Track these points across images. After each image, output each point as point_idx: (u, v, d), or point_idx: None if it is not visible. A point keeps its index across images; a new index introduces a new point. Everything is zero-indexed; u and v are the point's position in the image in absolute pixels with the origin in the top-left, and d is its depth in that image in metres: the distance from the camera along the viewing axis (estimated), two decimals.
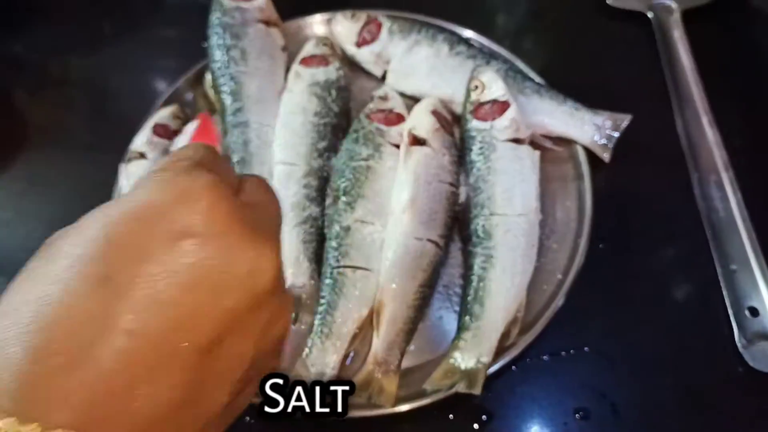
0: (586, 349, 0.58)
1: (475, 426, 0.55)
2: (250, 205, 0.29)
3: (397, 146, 0.65)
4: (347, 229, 0.60)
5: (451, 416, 0.55)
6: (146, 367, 0.23)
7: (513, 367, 0.57)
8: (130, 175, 0.65)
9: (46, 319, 0.23)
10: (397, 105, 0.68)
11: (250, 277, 0.26)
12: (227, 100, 0.68)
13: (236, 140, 0.66)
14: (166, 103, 0.71)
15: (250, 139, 0.66)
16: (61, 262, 0.24)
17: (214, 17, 0.72)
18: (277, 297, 0.28)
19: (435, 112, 0.65)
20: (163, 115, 0.69)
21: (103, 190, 0.68)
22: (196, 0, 0.87)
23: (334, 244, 0.60)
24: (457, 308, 0.59)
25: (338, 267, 0.58)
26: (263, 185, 0.32)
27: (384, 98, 0.69)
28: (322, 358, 0.55)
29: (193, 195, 0.26)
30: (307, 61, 0.71)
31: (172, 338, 0.24)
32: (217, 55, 0.70)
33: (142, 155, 0.66)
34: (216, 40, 0.71)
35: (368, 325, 0.58)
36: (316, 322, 0.57)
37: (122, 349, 0.23)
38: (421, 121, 0.64)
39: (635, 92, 0.74)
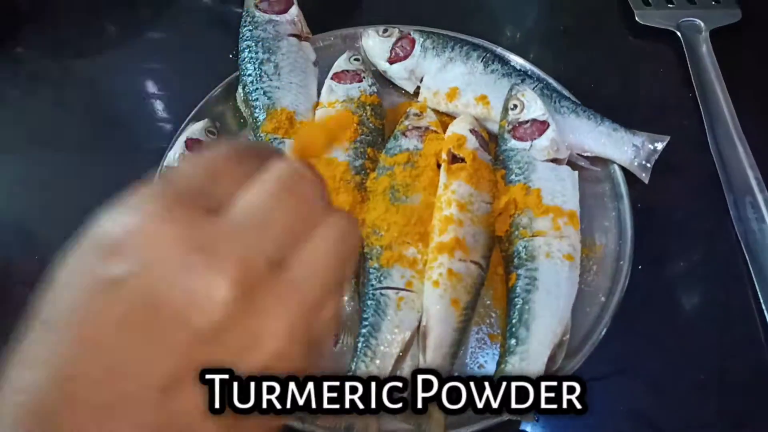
0: (629, 372, 0.57)
1: None
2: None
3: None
4: (389, 248, 0.59)
5: None
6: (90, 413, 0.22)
7: None
8: None
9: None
10: (432, 122, 0.68)
11: (188, 310, 0.22)
12: (260, 115, 0.67)
13: None
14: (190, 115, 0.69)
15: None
16: None
17: (246, 30, 0.71)
18: (238, 331, 0.23)
19: (473, 131, 0.64)
20: (194, 129, 0.67)
21: (99, 193, 0.67)
22: (200, 2, 0.87)
23: (375, 264, 0.59)
24: (497, 329, 0.59)
25: (380, 288, 0.58)
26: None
27: (419, 115, 0.68)
28: None
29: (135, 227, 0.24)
30: (339, 77, 0.70)
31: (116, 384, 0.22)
32: (249, 69, 0.69)
33: None
34: (248, 53, 0.70)
35: (410, 347, 0.57)
36: (359, 345, 0.56)
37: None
38: (460, 140, 0.63)
39: (666, 111, 0.75)
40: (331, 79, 0.70)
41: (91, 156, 0.73)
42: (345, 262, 0.27)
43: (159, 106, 0.78)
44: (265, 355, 0.24)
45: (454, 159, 0.63)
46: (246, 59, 0.69)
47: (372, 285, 0.58)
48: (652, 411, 0.55)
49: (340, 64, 0.71)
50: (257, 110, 0.67)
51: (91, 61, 0.81)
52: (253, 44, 0.70)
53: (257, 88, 0.68)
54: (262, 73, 0.68)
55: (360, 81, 0.69)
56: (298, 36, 0.72)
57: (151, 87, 0.79)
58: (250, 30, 0.71)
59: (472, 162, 0.62)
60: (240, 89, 0.70)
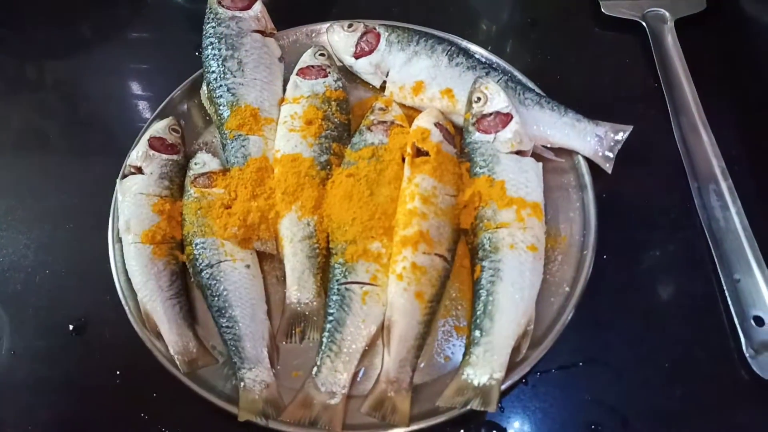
0: (594, 361, 0.58)
1: None
2: None
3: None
4: (354, 242, 0.59)
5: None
6: None
7: (523, 382, 0.56)
8: (125, 190, 0.63)
9: None
10: (398, 116, 0.68)
11: None
12: (224, 112, 0.67)
13: (235, 153, 0.65)
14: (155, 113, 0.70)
15: (249, 152, 0.65)
16: None
17: (209, 27, 0.71)
18: None
19: (437, 124, 0.64)
20: (158, 128, 0.67)
21: (72, 186, 0.69)
22: (175, 2, 0.86)
23: (340, 260, 0.59)
24: (463, 322, 0.59)
25: (345, 283, 0.58)
26: None
27: (384, 110, 0.68)
28: (333, 377, 0.54)
29: None
30: (305, 72, 0.70)
31: None
32: (213, 66, 0.69)
33: (138, 169, 0.64)
34: (211, 50, 0.69)
35: (376, 341, 0.57)
36: (324, 340, 0.56)
37: None
38: (424, 133, 0.63)
39: (632, 101, 0.75)
40: (297, 75, 0.70)
41: (65, 152, 0.73)
42: None
43: (131, 104, 0.78)
44: None
45: (419, 153, 0.63)
46: (209, 56, 0.69)
47: (337, 280, 0.58)
48: (619, 400, 0.56)
49: (305, 59, 0.71)
50: (221, 107, 0.67)
51: (66, 63, 0.81)
52: (216, 41, 0.69)
53: (221, 85, 0.67)
54: (226, 70, 0.68)
55: (325, 76, 0.69)
56: (262, 32, 0.71)
57: (124, 86, 0.79)
58: (213, 27, 0.70)
59: (436, 155, 0.62)
60: (204, 86, 0.69)
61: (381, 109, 0.68)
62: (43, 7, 0.86)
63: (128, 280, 0.59)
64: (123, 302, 0.58)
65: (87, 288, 0.62)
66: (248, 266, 0.60)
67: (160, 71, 0.80)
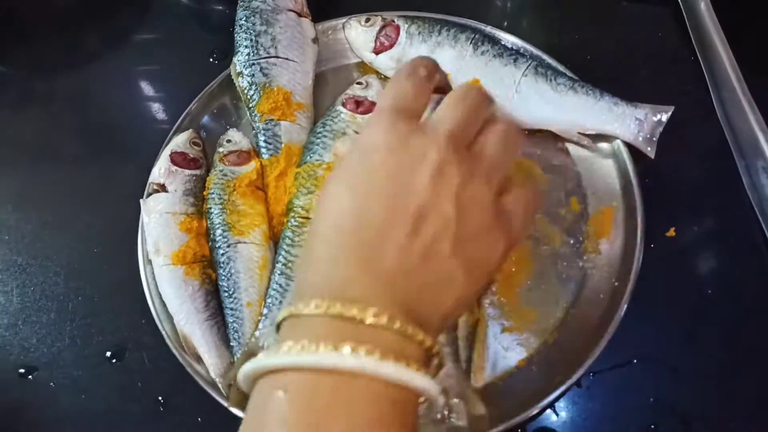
0: (649, 358, 0.55)
1: None
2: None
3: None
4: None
5: None
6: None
7: (578, 385, 0.54)
8: (150, 210, 0.61)
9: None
10: (375, 94, 0.65)
11: (424, 151, 0.36)
12: (256, 93, 0.65)
13: (267, 138, 0.64)
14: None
15: (282, 139, 0.64)
16: None
17: (244, 1, 0.69)
18: (458, 164, 0.37)
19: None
20: (178, 142, 0.65)
21: (95, 205, 0.68)
22: (183, 4, 0.84)
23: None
24: None
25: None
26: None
27: (363, 85, 0.66)
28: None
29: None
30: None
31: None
32: (245, 41, 0.67)
33: (161, 186, 0.63)
34: (245, 23, 0.68)
35: None
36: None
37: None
38: None
39: (667, 77, 0.71)
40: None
41: (80, 168, 0.71)
42: (508, 147, 0.40)
43: (144, 112, 0.76)
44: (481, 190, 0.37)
45: None
46: (243, 29, 0.67)
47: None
48: (677, 398, 0.54)
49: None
50: (253, 88, 0.66)
51: (75, 74, 0.79)
52: (251, 14, 0.67)
53: (253, 63, 0.66)
54: (259, 46, 0.66)
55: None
56: (297, 13, 0.70)
57: (136, 93, 0.77)
58: (248, 1, 0.68)
59: None
60: (234, 61, 0.67)
61: (359, 83, 0.66)
62: (47, 19, 0.84)
63: (163, 303, 0.58)
64: (159, 326, 0.57)
65: (121, 313, 0.61)
66: (264, 254, 0.59)
67: (173, 78, 0.77)
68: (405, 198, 0.35)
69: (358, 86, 0.66)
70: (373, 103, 0.65)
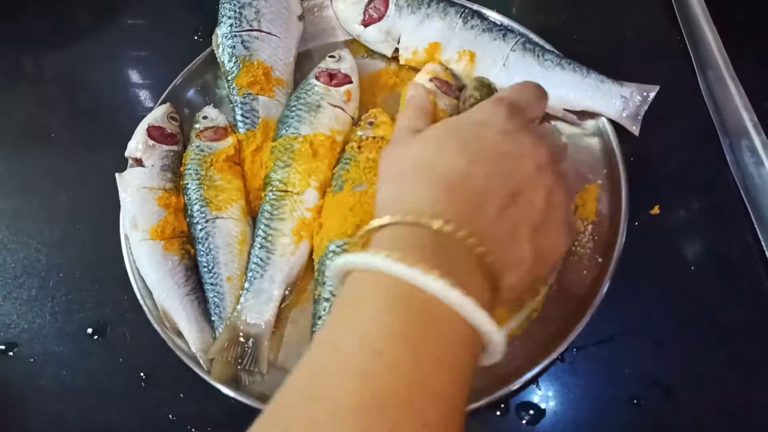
0: (633, 333, 0.56)
1: (526, 422, 0.53)
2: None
3: (338, 107, 0.63)
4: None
5: (498, 413, 0.53)
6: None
7: (560, 360, 0.54)
8: (126, 185, 0.60)
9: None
10: (348, 67, 0.65)
11: (533, 151, 0.42)
12: (235, 65, 0.65)
13: (244, 112, 0.64)
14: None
15: (259, 113, 0.63)
16: None
17: None
18: (552, 172, 0.42)
19: (433, 79, 0.62)
20: (156, 116, 0.63)
21: (79, 183, 0.67)
22: None
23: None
24: None
25: None
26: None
27: (336, 58, 0.65)
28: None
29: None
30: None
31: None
32: (229, 12, 0.66)
33: (138, 162, 0.62)
34: None
35: None
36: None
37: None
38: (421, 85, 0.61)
39: (655, 57, 0.71)
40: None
41: (64, 146, 0.70)
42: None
43: (133, 93, 0.74)
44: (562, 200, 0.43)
45: None
46: (227, 0, 0.67)
47: None
48: (660, 371, 0.54)
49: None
50: (233, 60, 0.65)
51: (63, 52, 0.77)
52: None
53: (235, 35, 0.65)
54: (242, 18, 0.65)
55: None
56: None
57: (122, 73, 0.76)
58: None
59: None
60: (217, 31, 0.66)
61: (332, 56, 0.66)
62: None
63: (144, 280, 0.57)
64: (141, 302, 0.56)
65: (103, 289, 0.60)
66: (243, 229, 0.59)
67: (161, 57, 0.76)
68: (507, 178, 0.40)
69: (331, 59, 0.65)
70: (346, 76, 0.64)
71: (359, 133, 0.61)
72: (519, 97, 0.47)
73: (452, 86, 0.63)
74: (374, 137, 0.60)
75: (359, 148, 0.60)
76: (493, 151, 0.41)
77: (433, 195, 0.39)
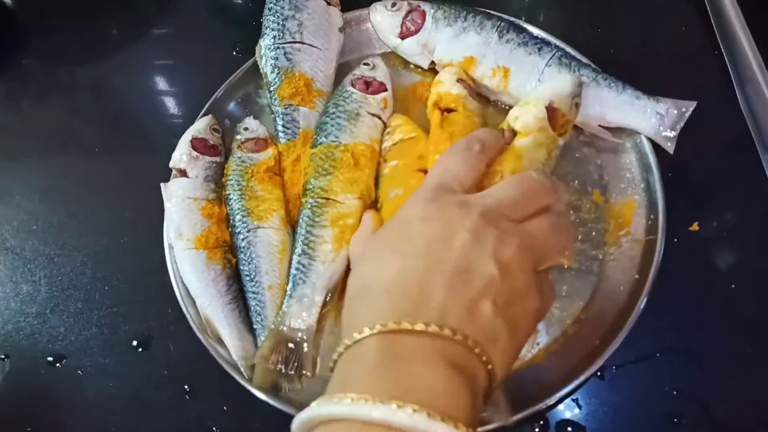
0: (671, 350, 0.56)
1: None
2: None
3: (376, 115, 0.64)
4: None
5: (537, 430, 0.53)
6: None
7: (599, 377, 0.55)
8: (171, 195, 0.61)
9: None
10: (382, 75, 0.66)
11: (463, 221, 0.39)
12: (278, 77, 0.66)
13: (285, 123, 0.65)
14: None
15: (300, 124, 0.65)
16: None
17: None
18: (496, 232, 0.39)
19: (460, 80, 0.63)
20: (199, 127, 0.65)
21: (121, 195, 0.68)
22: None
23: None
24: None
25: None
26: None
27: (370, 66, 0.66)
28: None
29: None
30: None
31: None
32: (273, 24, 0.67)
33: (182, 172, 0.63)
34: (273, 6, 0.68)
35: None
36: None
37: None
38: (449, 89, 0.62)
39: (692, 70, 0.71)
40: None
41: (105, 159, 0.72)
42: (556, 236, 0.42)
43: (167, 103, 0.76)
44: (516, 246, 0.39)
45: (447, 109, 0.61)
46: (271, 12, 0.68)
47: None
48: (699, 389, 0.54)
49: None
50: (275, 71, 0.66)
51: (96, 65, 0.79)
52: None
53: (278, 47, 0.67)
54: (285, 31, 0.67)
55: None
56: (326, 1, 0.70)
57: (158, 85, 0.77)
58: None
59: (463, 110, 0.60)
60: (260, 43, 0.68)
61: (366, 64, 0.67)
62: (68, 10, 0.84)
63: (188, 289, 0.59)
64: (184, 310, 0.57)
65: (147, 301, 0.62)
66: (283, 238, 0.60)
67: (196, 70, 0.77)
68: (443, 260, 0.38)
69: (366, 67, 0.67)
70: (382, 84, 0.65)
71: (384, 145, 0.63)
72: (444, 167, 0.45)
73: (473, 88, 0.64)
74: (394, 144, 0.62)
75: (385, 161, 0.62)
76: (421, 242, 0.39)
77: (379, 307, 0.37)
